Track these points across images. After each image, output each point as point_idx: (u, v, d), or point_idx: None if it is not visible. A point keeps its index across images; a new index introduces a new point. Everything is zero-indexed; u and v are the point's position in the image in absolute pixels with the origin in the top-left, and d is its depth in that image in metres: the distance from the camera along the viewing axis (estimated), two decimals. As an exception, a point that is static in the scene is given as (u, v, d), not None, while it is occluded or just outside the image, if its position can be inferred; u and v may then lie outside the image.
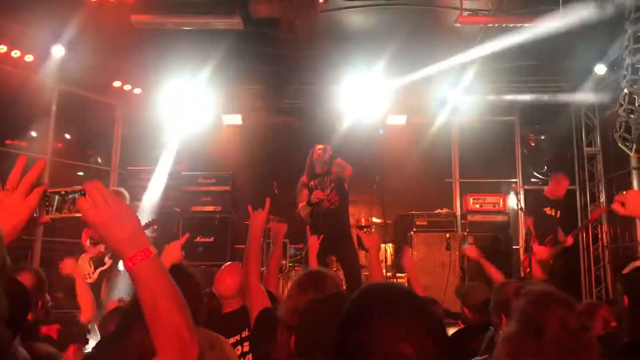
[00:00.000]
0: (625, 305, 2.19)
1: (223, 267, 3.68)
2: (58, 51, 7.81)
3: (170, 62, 8.65)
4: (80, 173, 9.40)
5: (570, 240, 7.10)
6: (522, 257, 7.18)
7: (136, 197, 8.66)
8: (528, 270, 6.70)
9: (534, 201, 7.83)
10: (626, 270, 2.25)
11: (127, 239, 1.40)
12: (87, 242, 6.48)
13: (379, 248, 3.65)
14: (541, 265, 6.93)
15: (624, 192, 2.38)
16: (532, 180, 10.31)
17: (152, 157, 9.57)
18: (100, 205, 1.37)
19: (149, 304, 1.39)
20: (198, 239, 8.59)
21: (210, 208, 8.79)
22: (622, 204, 2.34)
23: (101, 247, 6.41)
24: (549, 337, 1.68)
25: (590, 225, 9.13)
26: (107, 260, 6.36)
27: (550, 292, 1.84)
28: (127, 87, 9.09)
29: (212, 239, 8.62)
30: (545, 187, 7.71)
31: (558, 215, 7.30)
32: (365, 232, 3.88)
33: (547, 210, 7.21)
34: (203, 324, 2.76)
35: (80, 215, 1.39)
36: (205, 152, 9.82)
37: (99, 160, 9.70)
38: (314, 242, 3.88)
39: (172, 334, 1.37)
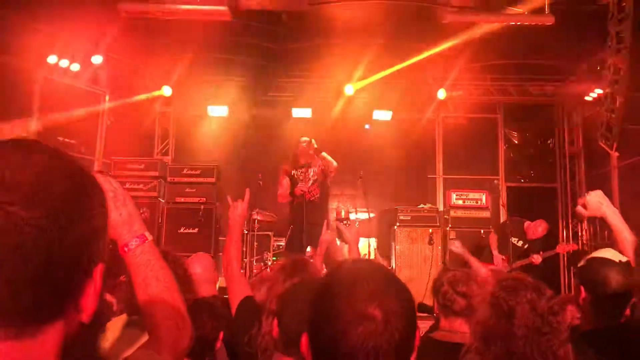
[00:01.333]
0: (582, 296, 2.29)
1: (192, 256, 3.71)
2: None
3: (156, 52, 8.63)
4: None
5: (538, 259, 7.04)
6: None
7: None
8: (484, 270, 6.73)
9: (506, 228, 7.67)
10: (581, 264, 2.34)
11: (122, 224, 1.41)
12: None
13: (358, 240, 3.70)
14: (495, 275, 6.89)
15: (587, 194, 2.50)
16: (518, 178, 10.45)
17: (138, 147, 9.56)
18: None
19: (142, 289, 1.41)
20: (182, 230, 8.60)
21: (194, 199, 8.79)
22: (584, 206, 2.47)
23: None
24: (519, 320, 1.76)
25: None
26: None
27: (521, 278, 1.92)
28: (113, 77, 9.06)
29: (196, 230, 8.63)
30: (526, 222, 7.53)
31: (525, 247, 7.28)
32: (345, 225, 3.91)
33: (515, 240, 7.19)
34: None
35: None
36: (191, 143, 9.83)
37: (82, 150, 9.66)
38: (326, 238, 3.85)
39: (166, 319, 1.40)
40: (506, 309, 1.79)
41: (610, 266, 2.25)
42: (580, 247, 9.75)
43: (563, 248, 7.30)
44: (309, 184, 6.61)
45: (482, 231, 8.69)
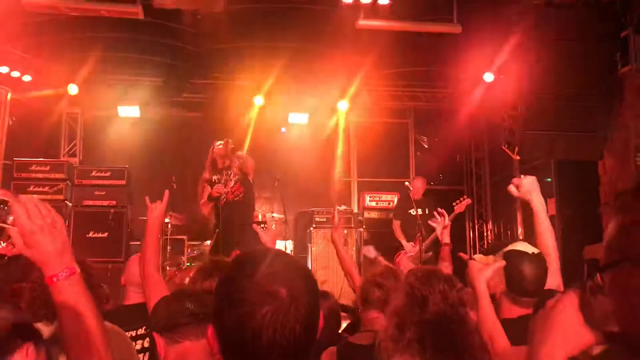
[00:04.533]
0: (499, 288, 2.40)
1: (133, 256, 3.62)
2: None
3: (63, 49, 8.27)
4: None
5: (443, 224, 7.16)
6: (395, 257, 7.46)
7: (24, 190, 8.21)
8: (401, 267, 6.89)
9: (400, 204, 8.23)
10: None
11: (55, 255, 1.40)
12: None
13: (275, 243, 3.74)
14: (414, 261, 7.05)
15: (522, 177, 2.65)
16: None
17: (43, 148, 9.11)
18: (35, 215, 1.42)
19: (68, 321, 1.40)
20: (91, 235, 8.28)
21: (104, 202, 8.48)
22: (517, 187, 2.62)
23: None
24: (431, 308, 1.84)
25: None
26: None
27: (434, 270, 2.02)
28: (15, 74, 8.59)
29: (106, 235, 8.32)
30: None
31: (421, 213, 7.44)
32: (263, 228, 3.92)
33: (412, 211, 7.37)
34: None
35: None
36: (100, 144, 9.47)
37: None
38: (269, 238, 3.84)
39: (88, 352, 1.41)
40: (420, 298, 1.87)
41: (526, 259, 2.38)
42: (486, 245, 10.25)
43: (460, 207, 7.21)
44: (231, 185, 6.52)
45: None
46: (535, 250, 2.44)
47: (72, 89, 9.10)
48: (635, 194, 0.95)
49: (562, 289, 2.47)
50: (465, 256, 2.50)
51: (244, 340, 1.11)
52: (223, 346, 1.17)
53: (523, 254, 2.41)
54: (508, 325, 2.13)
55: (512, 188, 2.66)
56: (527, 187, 2.60)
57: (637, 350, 0.91)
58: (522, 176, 2.65)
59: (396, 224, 7.98)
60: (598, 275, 0.96)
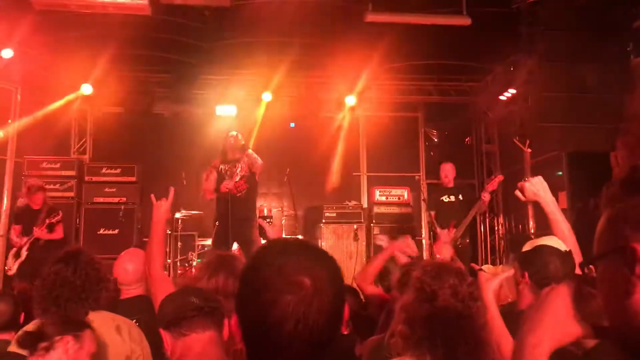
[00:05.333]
0: (525, 280, 2.36)
1: (123, 253, 3.61)
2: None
3: (73, 47, 8.28)
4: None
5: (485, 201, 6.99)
6: (433, 245, 7.34)
7: (45, 194, 8.24)
8: (438, 256, 6.79)
9: (432, 194, 8.04)
10: (527, 249, 2.41)
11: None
12: (15, 237, 7.09)
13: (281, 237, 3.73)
14: (450, 248, 6.96)
15: (527, 180, 2.60)
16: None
17: (54, 146, 9.15)
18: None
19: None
20: (102, 231, 8.32)
21: (114, 199, 8.51)
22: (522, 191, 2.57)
23: (22, 241, 6.99)
24: (440, 303, 1.82)
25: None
26: (23, 253, 6.89)
27: (444, 264, 1.99)
28: (26, 72, 8.61)
29: (116, 231, 8.37)
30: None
31: (461, 198, 7.47)
32: (268, 223, 3.92)
33: (444, 198, 7.42)
34: (109, 308, 2.72)
35: None
36: (110, 141, 9.49)
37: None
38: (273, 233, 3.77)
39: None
40: (429, 293, 1.84)
41: (556, 256, 2.34)
42: (496, 240, 10.19)
43: (493, 184, 7.15)
44: (237, 179, 6.54)
45: (404, 226, 8.91)
46: (566, 248, 2.41)
47: (86, 89, 9.11)
48: (623, 185, 0.93)
49: None
50: (475, 266, 2.46)
51: (265, 329, 1.10)
52: (245, 334, 1.16)
53: (554, 250, 2.38)
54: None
55: (518, 194, 2.62)
56: (531, 189, 2.56)
57: (624, 345, 0.90)
58: (526, 179, 2.60)
59: (431, 215, 7.64)
60: (591, 267, 0.95)
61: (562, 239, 2.45)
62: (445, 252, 6.69)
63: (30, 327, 2.27)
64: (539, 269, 2.34)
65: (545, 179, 2.64)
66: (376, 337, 2.53)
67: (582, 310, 0.98)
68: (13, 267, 6.91)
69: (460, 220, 6.96)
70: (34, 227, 6.98)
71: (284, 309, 1.08)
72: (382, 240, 5.17)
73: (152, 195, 3.26)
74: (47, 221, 7.01)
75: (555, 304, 1.01)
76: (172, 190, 3.23)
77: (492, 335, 1.94)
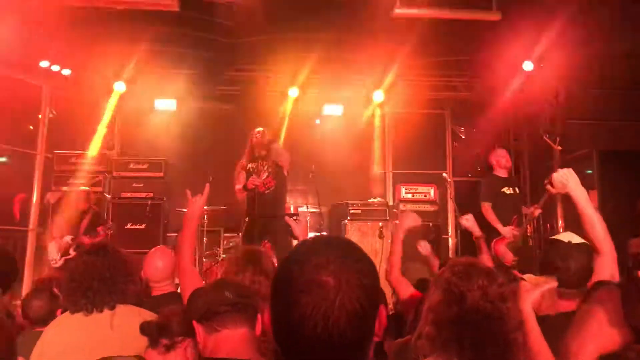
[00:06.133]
0: None
1: (151, 250, 3.65)
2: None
3: (101, 43, 8.37)
4: (3, 159, 9.01)
5: (537, 211, 6.24)
6: (491, 244, 6.79)
7: (64, 182, 8.38)
8: (500, 256, 6.31)
9: (488, 185, 7.21)
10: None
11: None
12: (54, 233, 7.32)
13: (307, 235, 3.71)
14: (511, 247, 6.45)
15: (555, 172, 2.55)
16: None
17: (82, 141, 9.27)
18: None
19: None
20: (129, 226, 8.40)
21: (141, 194, 8.59)
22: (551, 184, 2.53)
23: (68, 240, 7.18)
24: (469, 305, 1.76)
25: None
26: (72, 252, 7.05)
27: (474, 263, 1.93)
28: (55, 68, 8.74)
29: (143, 226, 8.44)
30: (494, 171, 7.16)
31: (517, 191, 6.93)
32: (295, 220, 3.90)
33: (505, 189, 6.81)
34: (136, 303, 2.74)
35: None
36: (138, 137, 9.59)
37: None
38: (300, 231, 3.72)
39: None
40: (457, 295, 1.79)
41: (564, 248, 2.29)
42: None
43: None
44: (264, 176, 6.54)
45: (430, 224, 8.82)
46: (579, 240, 2.35)
47: (119, 87, 9.24)
48: None
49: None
50: (518, 274, 2.40)
51: (289, 328, 1.08)
52: (275, 331, 1.14)
53: (562, 243, 2.33)
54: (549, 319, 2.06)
55: (549, 187, 2.57)
56: (559, 180, 2.49)
57: None
58: (555, 172, 2.54)
59: (487, 207, 6.85)
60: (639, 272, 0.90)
61: (593, 235, 2.39)
62: (503, 252, 6.29)
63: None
64: (546, 264, 2.30)
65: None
66: (403, 340, 2.50)
67: (631, 315, 0.93)
68: (59, 262, 7.07)
69: (521, 216, 6.42)
70: (83, 235, 7.22)
71: (303, 310, 1.05)
72: (423, 247, 5.01)
73: (188, 191, 3.29)
74: (100, 230, 7.30)
75: (601, 308, 0.97)
76: (207, 186, 3.26)
77: (530, 351, 1.88)
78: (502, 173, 6.96)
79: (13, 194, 8.83)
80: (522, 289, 2.10)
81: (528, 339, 1.93)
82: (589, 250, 2.33)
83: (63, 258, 7.10)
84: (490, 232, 6.48)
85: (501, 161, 6.96)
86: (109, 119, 9.74)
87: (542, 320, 2.07)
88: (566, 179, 2.47)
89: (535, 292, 2.07)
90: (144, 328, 2.19)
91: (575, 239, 2.38)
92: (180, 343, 2.17)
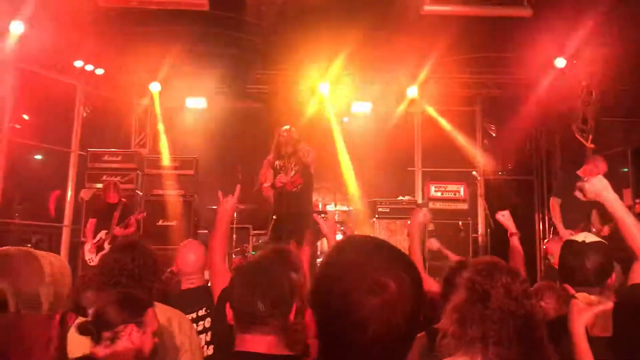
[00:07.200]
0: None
1: (184, 242, 3.72)
2: (17, 27, 7.60)
3: (132, 43, 8.51)
4: (38, 157, 9.24)
5: (606, 231, 5.93)
6: (544, 243, 6.58)
7: (97, 179, 8.55)
8: (551, 256, 6.14)
9: (564, 182, 6.94)
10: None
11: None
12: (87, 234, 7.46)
13: (335, 233, 3.71)
14: None
15: (586, 180, 2.51)
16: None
17: (115, 139, 9.45)
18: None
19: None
20: (160, 223, 8.53)
21: (173, 191, 8.71)
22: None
23: (102, 235, 7.35)
24: (493, 304, 1.76)
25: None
26: (107, 246, 7.17)
27: (496, 262, 1.93)
28: (89, 67, 8.92)
29: (174, 223, 8.56)
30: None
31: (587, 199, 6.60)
32: (323, 218, 3.89)
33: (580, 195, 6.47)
34: (161, 300, 2.79)
35: None
36: (169, 135, 9.73)
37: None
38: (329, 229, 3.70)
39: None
40: (481, 293, 1.79)
41: (576, 248, 2.28)
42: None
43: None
44: (291, 174, 6.56)
45: (460, 223, 8.75)
46: (594, 239, 2.33)
47: (155, 87, 9.45)
48: None
49: None
50: (570, 290, 2.33)
51: (346, 330, 1.07)
52: (321, 332, 1.13)
53: (575, 242, 2.32)
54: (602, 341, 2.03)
55: (578, 194, 2.53)
56: (592, 189, 2.45)
57: None
58: (585, 179, 2.49)
59: (555, 202, 6.62)
60: None
61: (630, 237, 2.34)
62: (556, 252, 5.91)
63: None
64: (561, 265, 2.32)
65: (610, 176, 2.55)
66: (422, 334, 2.49)
67: None
68: (95, 259, 7.17)
69: (588, 224, 6.10)
70: (116, 226, 7.33)
71: (369, 312, 1.05)
72: (432, 243, 4.99)
73: (220, 192, 3.34)
74: (133, 217, 7.42)
75: None
76: (238, 187, 3.30)
77: None
78: (584, 177, 6.37)
79: (48, 191, 9.05)
80: (574, 309, 2.06)
81: None
82: (605, 249, 2.31)
83: (99, 254, 7.18)
84: None
85: (592, 170, 6.40)
86: (141, 117, 9.94)
87: (595, 341, 2.03)
88: (597, 188, 2.42)
89: (588, 313, 2.04)
90: (82, 329, 2.17)
91: (590, 238, 2.35)
92: (122, 332, 2.18)
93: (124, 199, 7.66)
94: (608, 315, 2.11)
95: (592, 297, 2.17)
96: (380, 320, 1.05)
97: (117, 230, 7.32)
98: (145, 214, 7.71)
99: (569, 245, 2.37)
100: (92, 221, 7.53)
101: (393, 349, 1.09)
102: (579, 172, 6.56)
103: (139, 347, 2.16)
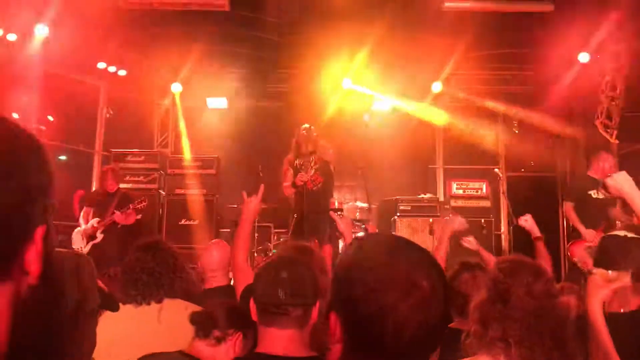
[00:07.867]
0: None
1: (212, 242, 3.79)
2: (41, 30, 7.72)
3: (155, 43, 8.60)
4: (62, 157, 9.37)
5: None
6: (568, 245, 6.47)
7: (121, 179, 8.64)
8: (575, 259, 6.01)
9: (574, 184, 6.90)
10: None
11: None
12: (81, 219, 7.23)
13: (351, 232, 3.71)
14: (590, 252, 5.91)
15: (609, 175, 2.48)
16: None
17: (138, 139, 9.55)
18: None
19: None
20: (183, 222, 8.60)
21: (195, 191, 8.78)
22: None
23: (94, 224, 7.07)
24: (514, 303, 1.74)
25: None
26: (99, 235, 6.99)
27: (520, 260, 1.90)
28: (112, 69, 9.03)
29: (196, 222, 8.62)
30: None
31: (602, 196, 6.20)
32: (339, 216, 3.88)
33: (593, 193, 6.28)
34: (184, 298, 2.82)
35: None
36: (191, 135, 9.81)
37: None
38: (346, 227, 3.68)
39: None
40: (502, 292, 1.77)
41: (618, 240, 2.25)
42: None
43: None
44: (311, 173, 6.56)
45: (482, 220, 8.68)
46: (633, 235, 2.29)
47: (176, 88, 9.52)
48: None
49: None
50: (588, 266, 2.29)
51: (382, 333, 1.02)
52: (350, 335, 1.08)
53: (619, 237, 2.28)
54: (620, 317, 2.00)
55: (603, 191, 2.51)
56: (614, 185, 2.41)
57: None
58: (609, 175, 2.45)
59: (568, 207, 6.58)
60: None
61: None
62: (581, 255, 5.86)
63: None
64: (600, 260, 2.25)
65: (634, 172, 2.49)
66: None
67: None
68: (85, 248, 6.93)
69: (610, 223, 5.75)
70: (115, 212, 6.95)
71: (404, 313, 1.01)
72: (469, 242, 4.89)
73: (244, 193, 3.37)
74: (132, 206, 7.01)
75: None
76: (261, 187, 3.33)
77: (597, 353, 1.82)
78: (596, 175, 6.40)
79: (72, 191, 9.17)
80: (591, 285, 2.02)
81: (595, 339, 1.88)
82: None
83: (90, 243, 6.98)
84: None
85: (604, 166, 6.38)
86: (163, 117, 10.03)
87: (612, 318, 2.00)
88: (620, 185, 2.38)
89: (605, 290, 2.00)
90: (195, 317, 2.23)
91: (630, 234, 2.31)
92: (231, 336, 2.20)
93: (122, 188, 7.47)
94: (626, 291, 2.08)
95: (610, 273, 2.12)
96: (417, 321, 1.02)
97: (118, 216, 6.91)
98: (146, 202, 7.20)
99: (614, 239, 2.30)
100: (87, 210, 7.24)
101: (428, 350, 1.07)
102: (589, 173, 6.53)
103: (236, 355, 2.18)
